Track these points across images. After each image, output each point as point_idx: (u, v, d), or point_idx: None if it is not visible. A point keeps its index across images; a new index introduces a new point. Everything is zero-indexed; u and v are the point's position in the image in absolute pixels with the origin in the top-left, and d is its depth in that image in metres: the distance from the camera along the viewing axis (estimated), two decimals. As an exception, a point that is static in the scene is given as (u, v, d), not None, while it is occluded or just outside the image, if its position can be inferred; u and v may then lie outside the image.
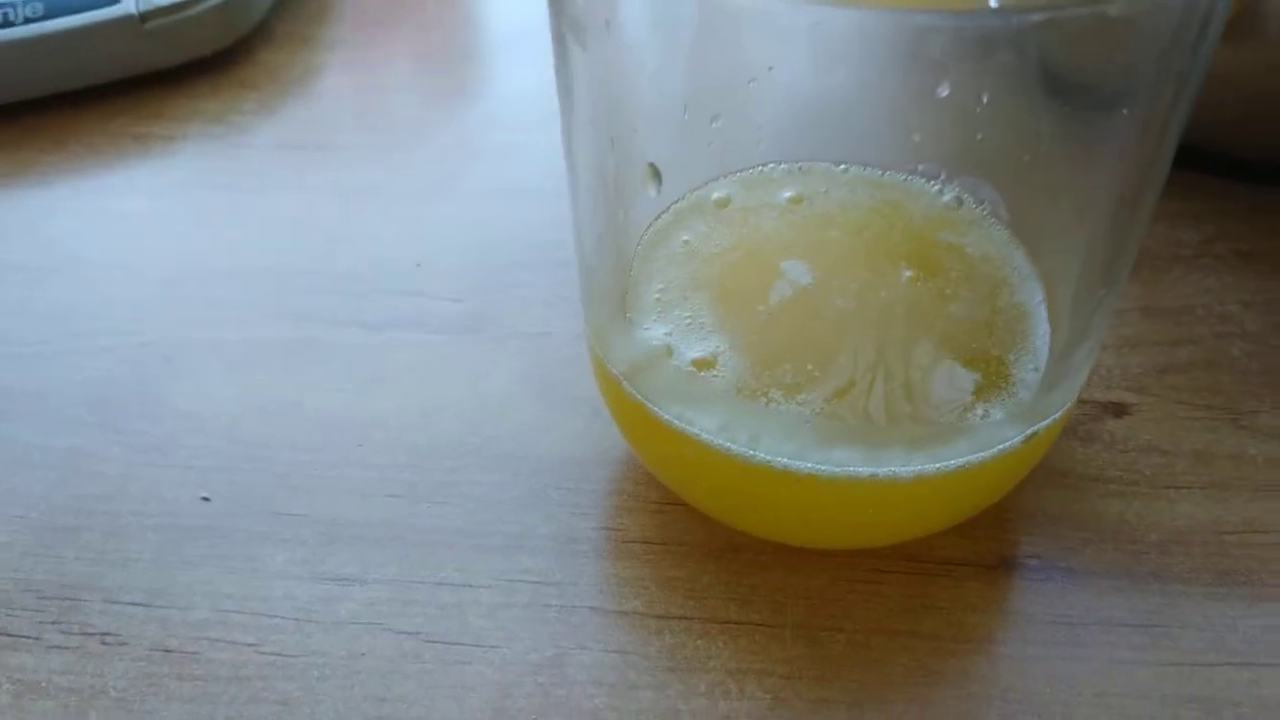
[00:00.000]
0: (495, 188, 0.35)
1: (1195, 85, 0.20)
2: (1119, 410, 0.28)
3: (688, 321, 0.25)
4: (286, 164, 0.36)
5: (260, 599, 0.25)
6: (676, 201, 0.28)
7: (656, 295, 0.26)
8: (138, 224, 0.34)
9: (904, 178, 0.28)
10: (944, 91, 0.28)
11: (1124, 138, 0.22)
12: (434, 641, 0.24)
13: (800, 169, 0.28)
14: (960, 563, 0.25)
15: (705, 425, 0.23)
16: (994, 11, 0.16)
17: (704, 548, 0.25)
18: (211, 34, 0.39)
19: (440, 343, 0.30)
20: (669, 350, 0.24)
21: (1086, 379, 0.24)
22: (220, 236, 0.34)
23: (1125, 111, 0.21)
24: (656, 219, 0.27)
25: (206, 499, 0.27)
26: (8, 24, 0.37)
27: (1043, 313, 0.25)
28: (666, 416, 0.23)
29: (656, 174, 0.25)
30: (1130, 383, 0.29)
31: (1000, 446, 0.22)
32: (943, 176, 0.28)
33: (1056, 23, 0.17)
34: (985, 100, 0.28)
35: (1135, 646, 0.24)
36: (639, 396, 0.24)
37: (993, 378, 0.24)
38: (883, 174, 0.28)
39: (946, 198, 0.28)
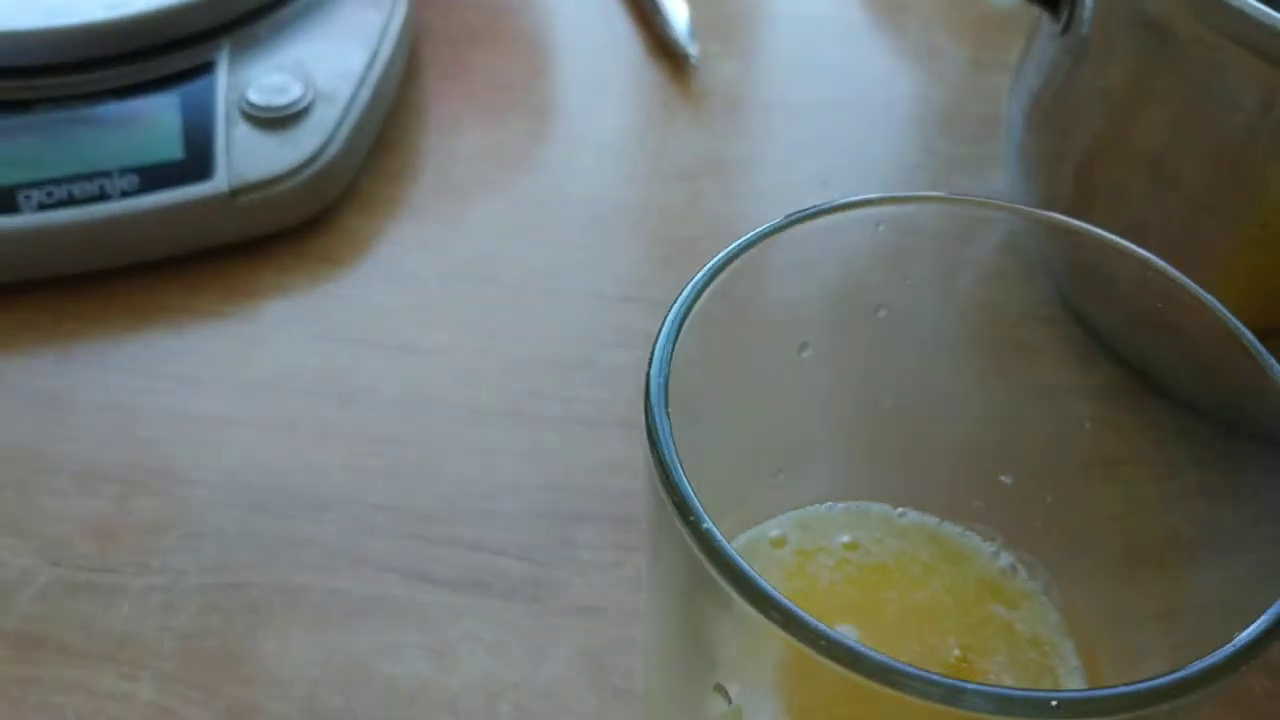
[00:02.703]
0: (565, 414, 0.36)
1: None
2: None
3: (738, 694, 0.27)
4: (367, 363, 0.38)
5: None
6: (732, 540, 0.29)
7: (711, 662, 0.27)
8: (223, 431, 0.36)
9: (960, 531, 0.29)
10: (1008, 480, 0.29)
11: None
12: None
13: (859, 509, 0.30)
14: None
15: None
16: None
17: None
18: (300, 206, 0.40)
19: (504, 610, 0.32)
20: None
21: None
22: (302, 453, 0.35)
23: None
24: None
25: (285, 778, 0.29)
26: (104, 197, 0.38)
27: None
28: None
29: (725, 693, 0.26)
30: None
31: None
32: (999, 541, 0.29)
33: None
34: (1049, 500, 0.29)
35: None
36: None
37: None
38: (940, 523, 0.29)
39: (1002, 562, 0.29)
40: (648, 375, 0.21)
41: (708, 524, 0.19)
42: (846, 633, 0.28)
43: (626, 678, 0.31)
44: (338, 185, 0.41)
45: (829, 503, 0.30)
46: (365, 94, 0.42)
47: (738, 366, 0.26)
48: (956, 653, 0.27)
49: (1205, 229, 0.31)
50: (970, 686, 0.18)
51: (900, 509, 0.30)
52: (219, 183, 0.39)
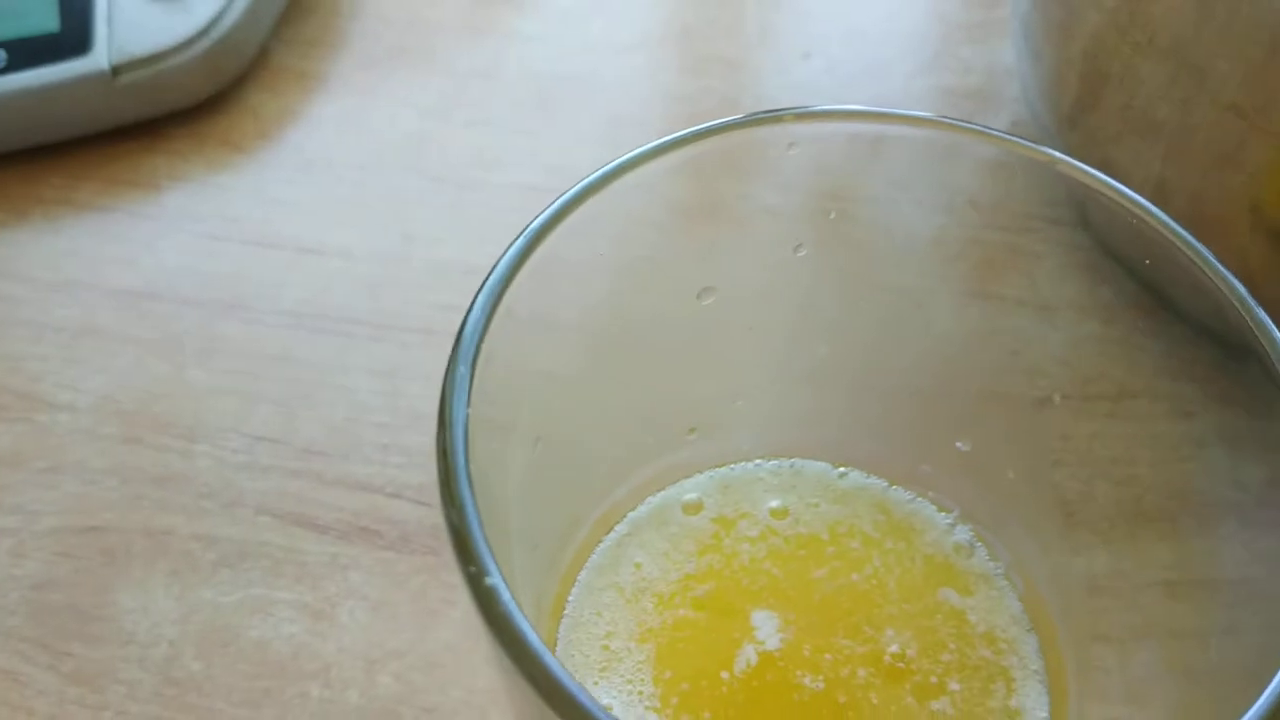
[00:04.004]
0: (484, 330, 0.32)
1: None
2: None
3: (627, 692, 0.22)
4: (263, 268, 0.33)
5: None
6: (634, 509, 0.24)
7: (601, 642, 0.23)
8: (96, 348, 0.32)
9: (911, 498, 0.24)
10: (964, 447, 0.24)
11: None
12: None
13: (792, 468, 0.25)
14: None
15: None
16: None
17: None
18: (193, 84, 0.35)
19: (392, 565, 0.28)
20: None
21: None
22: (180, 375, 0.31)
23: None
24: (608, 532, 0.24)
25: (134, 755, 0.26)
26: (-33, 75, 0.33)
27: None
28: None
29: None
30: (1130, 690, 0.26)
31: None
32: (956, 514, 0.24)
33: None
34: (1011, 476, 0.24)
35: None
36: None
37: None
38: (888, 487, 0.25)
39: (959, 537, 0.24)
40: (450, 361, 0.16)
41: (494, 579, 0.14)
42: (765, 622, 0.23)
43: (526, 647, 0.27)
44: (238, 60, 0.36)
45: (757, 460, 0.25)
46: (272, -49, 0.36)
47: (624, 312, 0.21)
48: (894, 649, 0.23)
49: (1232, 130, 0.26)
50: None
51: (842, 469, 0.25)
52: (98, 58, 0.34)
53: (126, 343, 0.32)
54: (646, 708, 0.22)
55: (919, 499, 0.24)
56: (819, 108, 0.20)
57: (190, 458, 0.30)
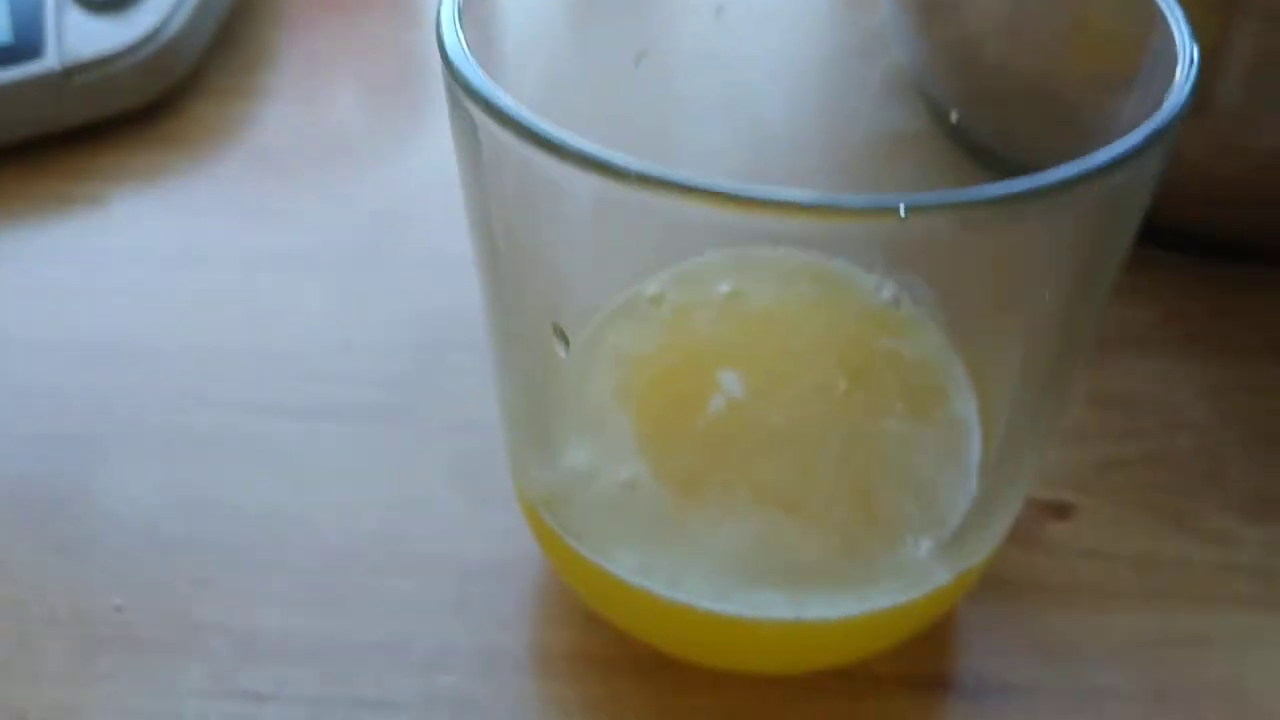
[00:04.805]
0: (430, 256, 0.34)
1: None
2: (1061, 511, 0.28)
3: (611, 441, 0.24)
4: (217, 230, 0.35)
5: (172, 717, 0.24)
6: (606, 303, 0.27)
7: (580, 410, 0.25)
8: (60, 298, 0.33)
9: (843, 266, 0.27)
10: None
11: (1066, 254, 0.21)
12: (348, 772, 0.23)
13: (737, 258, 0.27)
14: (892, 680, 0.24)
15: (624, 563, 0.22)
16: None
17: (629, 665, 0.25)
18: (139, 87, 0.38)
19: (365, 434, 0.29)
20: (590, 474, 0.24)
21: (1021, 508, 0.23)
22: (145, 313, 0.33)
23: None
24: (583, 327, 0.26)
25: (120, 608, 0.26)
26: (-74, 81, 0.36)
27: (978, 436, 0.24)
28: (584, 550, 0.22)
29: (563, 335, 0.23)
30: (1074, 480, 0.28)
31: (929, 586, 0.22)
32: (879, 269, 0.27)
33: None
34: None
35: (1069, 774, 0.23)
36: (555, 526, 0.23)
37: (925, 510, 0.23)
38: (826, 260, 0.27)
39: (885, 294, 0.27)
40: None
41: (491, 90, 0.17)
42: (730, 378, 0.26)
43: (502, 482, 0.28)
44: (181, 65, 0.39)
45: (708, 253, 0.28)
46: (207, -26, 0.40)
47: (569, 75, 0.24)
48: (844, 385, 0.25)
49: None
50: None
51: (781, 249, 0.28)
52: (50, 61, 0.37)
53: (87, 294, 0.33)
54: (631, 453, 0.24)
55: (851, 265, 0.27)
56: None
57: (155, 374, 0.31)
